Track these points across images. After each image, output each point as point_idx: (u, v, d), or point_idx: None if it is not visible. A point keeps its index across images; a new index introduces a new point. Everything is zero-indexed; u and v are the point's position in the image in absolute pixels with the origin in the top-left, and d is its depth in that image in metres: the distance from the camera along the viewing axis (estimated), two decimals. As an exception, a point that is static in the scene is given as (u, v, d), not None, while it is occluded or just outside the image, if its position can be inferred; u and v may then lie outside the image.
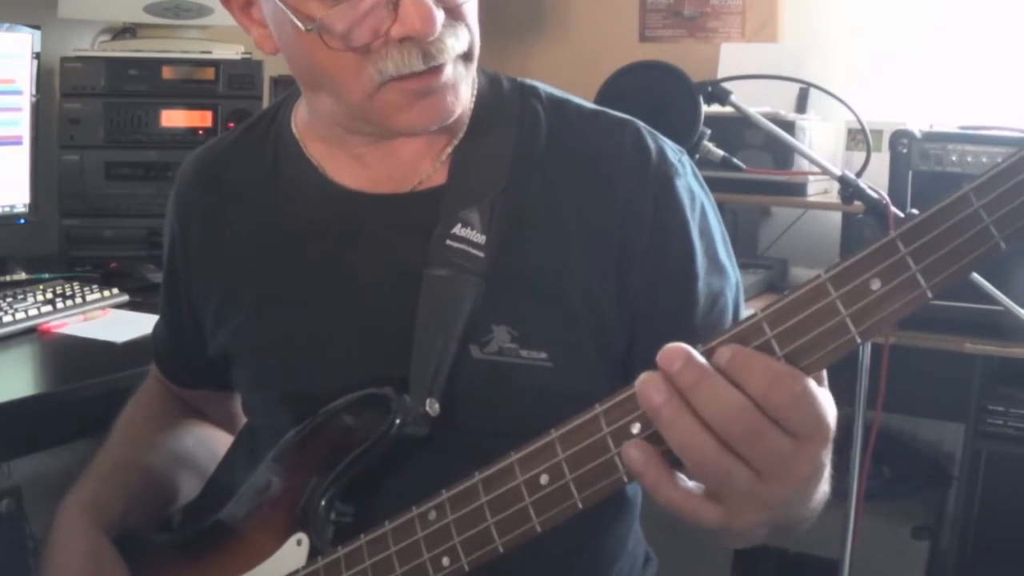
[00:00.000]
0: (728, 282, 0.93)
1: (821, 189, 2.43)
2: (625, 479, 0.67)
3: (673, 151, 0.95)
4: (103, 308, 1.82)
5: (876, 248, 0.61)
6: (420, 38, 0.81)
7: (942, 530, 2.41)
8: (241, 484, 0.96)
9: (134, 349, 1.58)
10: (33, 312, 1.69)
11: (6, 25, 1.94)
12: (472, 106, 0.95)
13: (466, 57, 0.87)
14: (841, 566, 1.76)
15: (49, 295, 1.78)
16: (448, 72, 0.85)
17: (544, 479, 0.70)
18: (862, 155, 1.78)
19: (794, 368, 0.61)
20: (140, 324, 1.66)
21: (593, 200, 0.91)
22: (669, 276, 0.90)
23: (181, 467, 1.08)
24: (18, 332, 1.64)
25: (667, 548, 1.16)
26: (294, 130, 0.99)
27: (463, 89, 0.88)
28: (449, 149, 0.94)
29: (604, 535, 0.99)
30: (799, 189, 2.37)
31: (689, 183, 0.93)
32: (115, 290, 1.88)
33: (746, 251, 2.59)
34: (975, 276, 1.58)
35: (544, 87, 0.99)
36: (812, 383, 0.62)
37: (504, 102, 0.97)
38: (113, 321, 1.76)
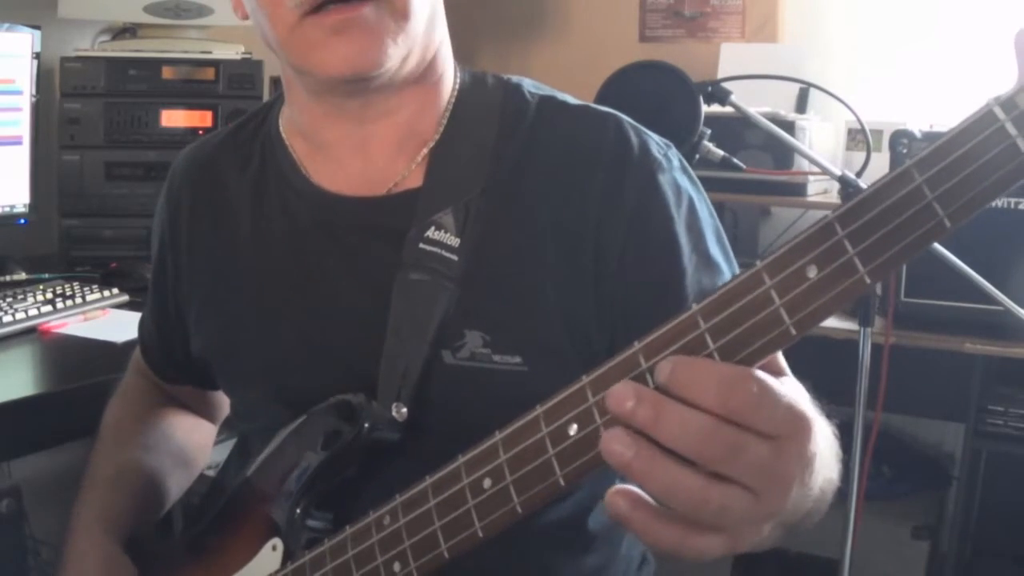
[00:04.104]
0: (721, 278, 0.89)
1: (821, 189, 2.42)
2: (562, 483, 0.62)
3: (658, 145, 0.92)
4: (103, 308, 1.82)
5: (813, 232, 0.56)
6: None
7: (942, 530, 2.41)
8: (231, 490, 0.96)
9: (134, 349, 1.58)
10: (33, 312, 1.69)
11: (6, 25, 1.94)
12: (451, 106, 0.94)
13: (395, 10, 0.83)
14: (841, 566, 1.76)
15: (49, 295, 1.78)
16: (368, 12, 0.82)
17: (487, 482, 0.66)
18: (862, 155, 1.79)
19: (742, 367, 0.56)
20: (140, 324, 1.66)
21: (569, 197, 0.89)
22: (652, 273, 0.87)
23: (177, 464, 1.08)
24: (18, 332, 1.64)
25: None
26: (281, 128, 0.99)
27: (389, 45, 0.83)
28: (425, 150, 0.92)
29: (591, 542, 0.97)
30: (799, 189, 2.37)
31: (675, 178, 0.90)
32: (115, 290, 1.88)
33: (746, 251, 2.58)
34: (975, 276, 1.58)
35: (530, 83, 0.97)
36: (767, 377, 0.56)
37: (485, 100, 0.95)
38: (113, 321, 1.76)
